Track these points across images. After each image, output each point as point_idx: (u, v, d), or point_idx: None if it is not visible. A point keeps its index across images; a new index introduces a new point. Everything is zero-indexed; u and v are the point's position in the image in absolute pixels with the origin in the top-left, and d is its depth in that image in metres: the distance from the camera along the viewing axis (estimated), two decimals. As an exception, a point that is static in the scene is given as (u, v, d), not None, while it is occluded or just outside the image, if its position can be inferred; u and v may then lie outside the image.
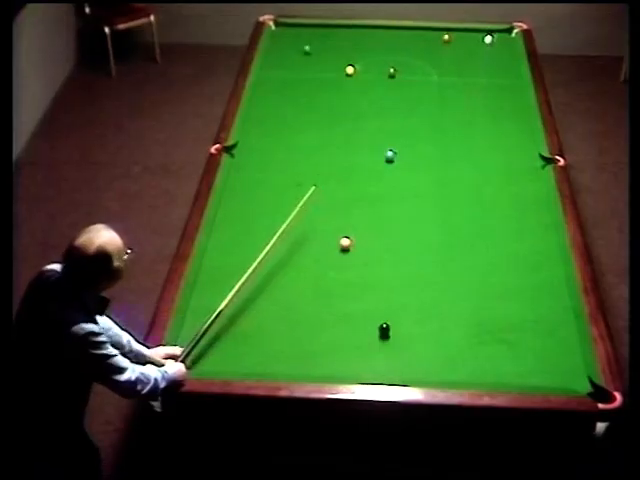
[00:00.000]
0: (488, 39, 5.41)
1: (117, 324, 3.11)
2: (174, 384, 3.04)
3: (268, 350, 3.32)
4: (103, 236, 2.81)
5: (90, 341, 2.76)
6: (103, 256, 2.78)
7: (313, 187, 3.90)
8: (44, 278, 2.88)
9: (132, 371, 2.87)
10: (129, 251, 2.90)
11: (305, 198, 3.83)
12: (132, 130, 6.22)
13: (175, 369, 3.06)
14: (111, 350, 2.82)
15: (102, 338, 2.79)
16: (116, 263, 2.82)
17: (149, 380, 2.91)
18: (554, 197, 4.13)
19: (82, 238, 2.79)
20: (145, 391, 2.90)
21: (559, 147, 4.47)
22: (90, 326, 2.77)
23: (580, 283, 3.60)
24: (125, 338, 3.11)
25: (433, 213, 4.09)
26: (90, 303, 2.85)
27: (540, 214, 4.06)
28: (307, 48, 5.33)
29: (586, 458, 3.15)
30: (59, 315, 2.77)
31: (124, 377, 2.83)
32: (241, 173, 4.32)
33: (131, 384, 2.86)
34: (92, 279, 2.82)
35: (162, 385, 2.96)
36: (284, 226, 3.67)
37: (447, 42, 5.44)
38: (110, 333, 3.01)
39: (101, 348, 2.78)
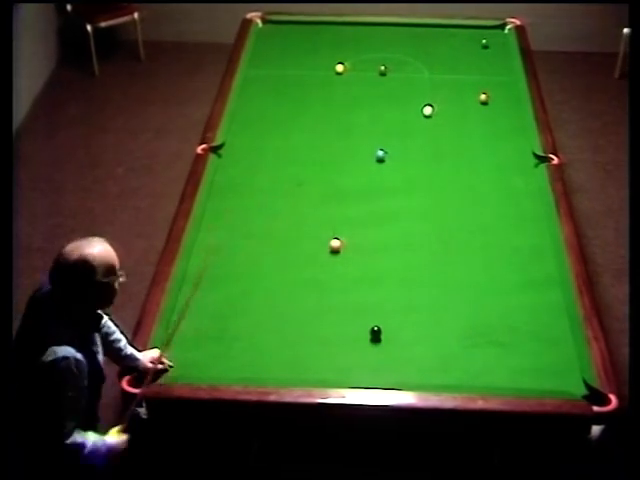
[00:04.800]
0: (427, 110, 4.71)
1: (118, 327, 3.08)
2: (112, 454, 2.83)
3: (257, 354, 3.29)
4: (91, 247, 2.67)
5: (57, 367, 2.59)
6: (83, 266, 2.63)
7: None
8: (38, 290, 2.78)
9: (78, 433, 2.68)
10: (122, 273, 2.75)
11: None
12: (116, 130, 6.15)
13: (115, 440, 2.85)
14: (74, 391, 2.63)
15: (74, 368, 2.62)
16: (100, 278, 2.66)
17: (86, 448, 2.71)
18: (548, 196, 4.08)
19: (70, 246, 2.68)
20: (79, 459, 2.72)
21: (553, 145, 4.44)
22: (66, 350, 2.62)
23: (574, 284, 3.56)
24: (123, 342, 3.08)
25: (425, 214, 4.05)
26: (81, 319, 2.74)
27: (534, 214, 4.02)
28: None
29: (582, 461, 3.14)
30: (42, 329, 2.67)
31: (66, 430, 2.64)
32: (228, 174, 4.27)
33: (75, 447, 2.67)
34: (75, 290, 2.68)
35: (99, 455, 2.77)
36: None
37: (484, 102, 4.82)
38: (112, 338, 3.01)
39: (63, 380, 2.61)
